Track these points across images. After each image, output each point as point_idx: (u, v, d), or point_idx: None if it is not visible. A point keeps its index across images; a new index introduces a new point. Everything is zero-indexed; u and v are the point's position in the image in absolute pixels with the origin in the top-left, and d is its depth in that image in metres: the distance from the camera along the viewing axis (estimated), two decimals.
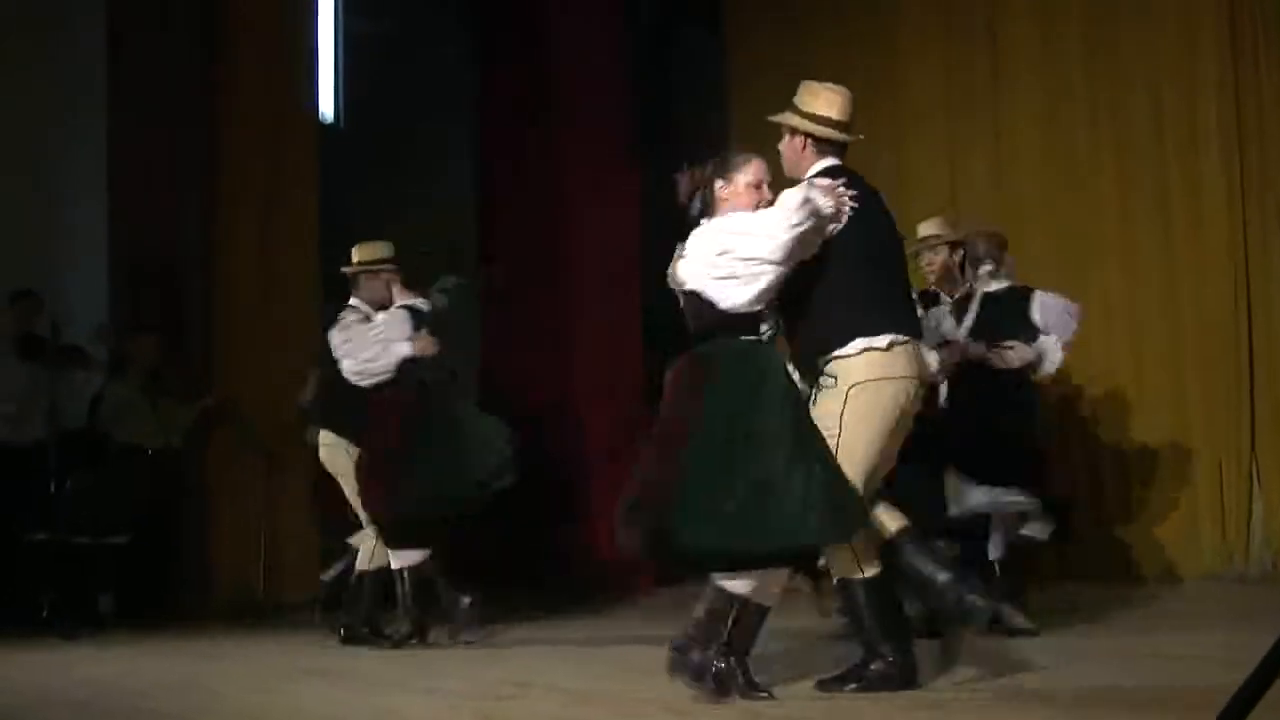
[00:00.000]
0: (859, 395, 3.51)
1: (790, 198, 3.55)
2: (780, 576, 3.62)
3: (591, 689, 4.04)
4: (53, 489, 6.52)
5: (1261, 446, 6.88)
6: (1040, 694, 3.52)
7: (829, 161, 3.74)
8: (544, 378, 9.22)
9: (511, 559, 9.08)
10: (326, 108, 9.44)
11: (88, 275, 7.68)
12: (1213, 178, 7.07)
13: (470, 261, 9.80)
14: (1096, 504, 7.25)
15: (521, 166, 9.48)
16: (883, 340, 3.54)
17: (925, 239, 5.59)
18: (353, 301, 5.91)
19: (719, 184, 3.73)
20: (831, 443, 3.49)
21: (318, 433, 5.95)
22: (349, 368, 5.71)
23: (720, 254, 3.55)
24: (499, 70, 9.77)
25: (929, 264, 5.59)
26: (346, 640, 5.67)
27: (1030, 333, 5.25)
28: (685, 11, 10.02)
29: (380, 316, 5.78)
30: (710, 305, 3.57)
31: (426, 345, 5.70)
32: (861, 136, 3.84)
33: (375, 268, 5.89)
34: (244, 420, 7.41)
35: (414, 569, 5.65)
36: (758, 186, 3.69)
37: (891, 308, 3.64)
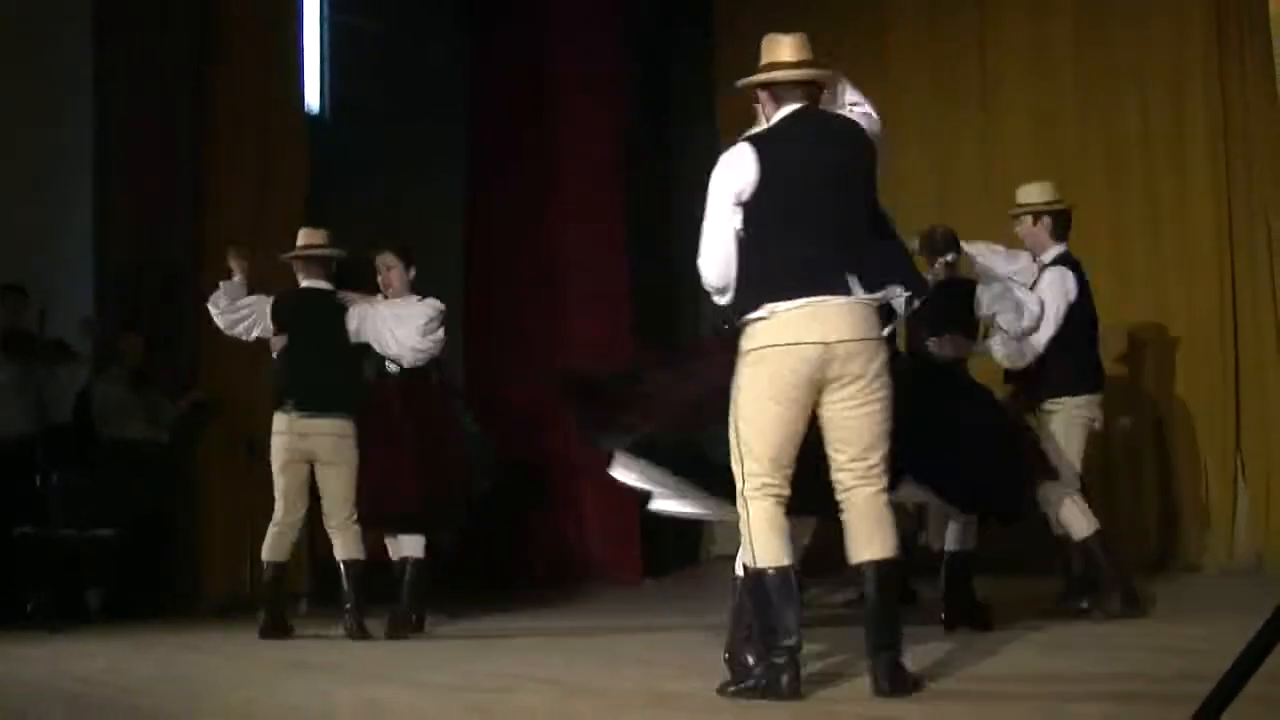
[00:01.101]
0: (746, 364, 3.41)
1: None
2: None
3: (580, 681, 4.05)
4: (39, 483, 6.51)
5: (1246, 444, 6.93)
6: (1025, 684, 3.54)
7: (788, 108, 3.55)
8: (532, 376, 9.22)
9: (499, 553, 9.09)
10: (316, 103, 9.43)
11: (75, 271, 7.65)
12: (1200, 178, 7.12)
13: (458, 260, 9.81)
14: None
15: (512, 165, 9.48)
16: (766, 308, 3.37)
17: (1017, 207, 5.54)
18: (324, 285, 5.89)
19: None
20: (733, 414, 3.41)
21: (312, 421, 5.73)
22: (422, 346, 5.76)
23: None
24: (490, 67, 9.76)
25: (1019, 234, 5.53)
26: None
27: (971, 326, 5.28)
28: (681, 12, 10.02)
29: (439, 304, 5.89)
30: None
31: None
32: (816, 73, 3.61)
33: (338, 253, 5.98)
34: (253, 443, 7.36)
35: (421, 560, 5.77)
36: None
37: (786, 273, 3.40)
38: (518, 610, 6.96)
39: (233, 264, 5.93)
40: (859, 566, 3.41)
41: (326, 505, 5.74)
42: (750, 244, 3.46)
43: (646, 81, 9.97)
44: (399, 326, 5.75)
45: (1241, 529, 6.90)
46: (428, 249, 9.34)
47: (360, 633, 5.54)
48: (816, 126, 3.56)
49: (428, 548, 5.84)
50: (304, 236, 5.95)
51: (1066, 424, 5.32)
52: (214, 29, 7.97)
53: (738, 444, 3.41)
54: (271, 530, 5.76)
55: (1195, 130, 7.13)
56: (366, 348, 5.87)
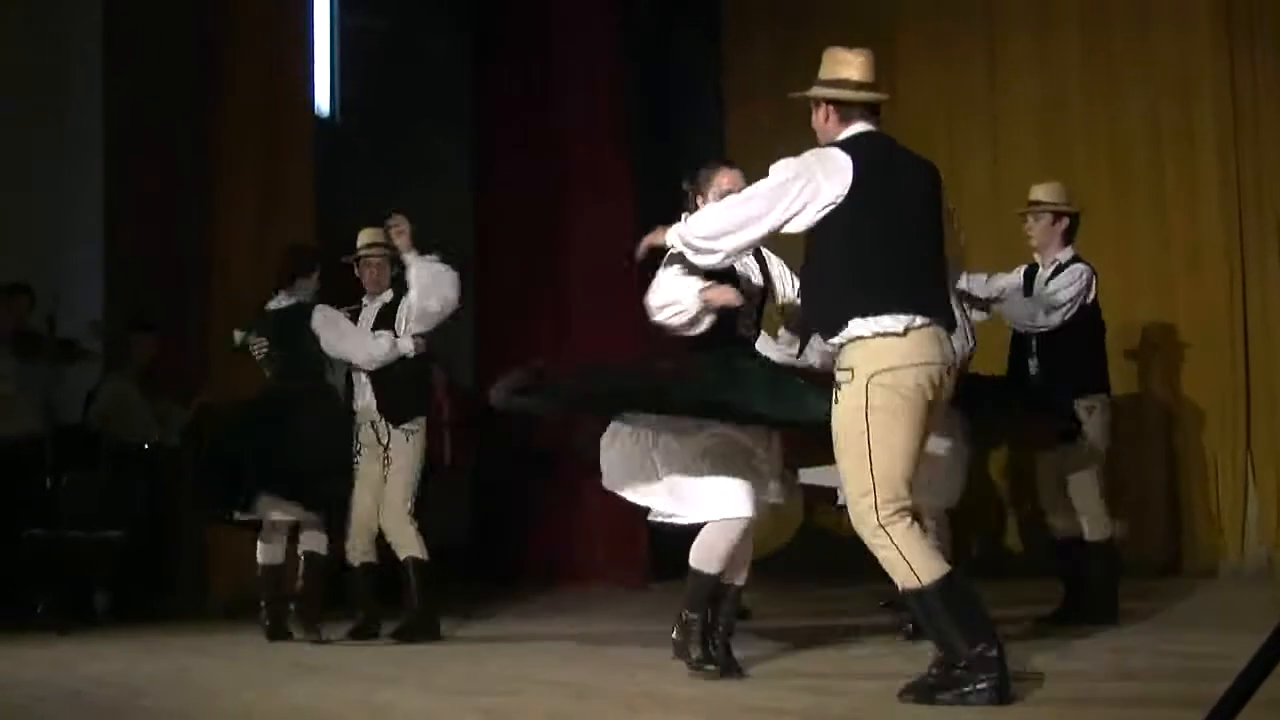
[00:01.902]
0: (878, 385, 3.28)
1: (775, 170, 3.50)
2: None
3: (587, 684, 4.04)
4: (48, 484, 6.51)
5: (1256, 445, 6.91)
6: (1035, 690, 3.52)
7: (857, 127, 3.51)
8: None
9: (505, 557, 9.09)
10: (324, 104, 9.44)
11: (85, 272, 7.67)
12: (1208, 180, 7.10)
13: (467, 260, 9.82)
14: None
15: (519, 164, 9.49)
16: (899, 322, 3.28)
17: (1030, 205, 5.46)
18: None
19: (698, 199, 3.92)
20: (862, 440, 3.27)
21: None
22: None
23: None
24: (497, 67, 9.77)
25: (1029, 230, 5.45)
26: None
27: None
28: (684, 11, 10.02)
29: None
30: None
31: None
32: (886, 97, 3.62)
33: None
34: None
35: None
36: (733, 192, 3.75)
37: (903, 287, 3.33)
38: (524, 614, 6.96)
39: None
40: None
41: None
42: (853, 249, 3.37)
43: (652, 81, 9.96)
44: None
45: (1252, 531, 6.88)
46: (436, 249, 9.40)
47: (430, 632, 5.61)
48: (905, 152, 3.57)
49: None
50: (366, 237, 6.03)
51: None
52: (223, 31, 7.98)
53: (870, 470, 3.26)
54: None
55: (1204, 131, 7.12)
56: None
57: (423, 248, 5.88)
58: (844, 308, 3.33)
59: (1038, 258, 5.43)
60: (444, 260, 5.89)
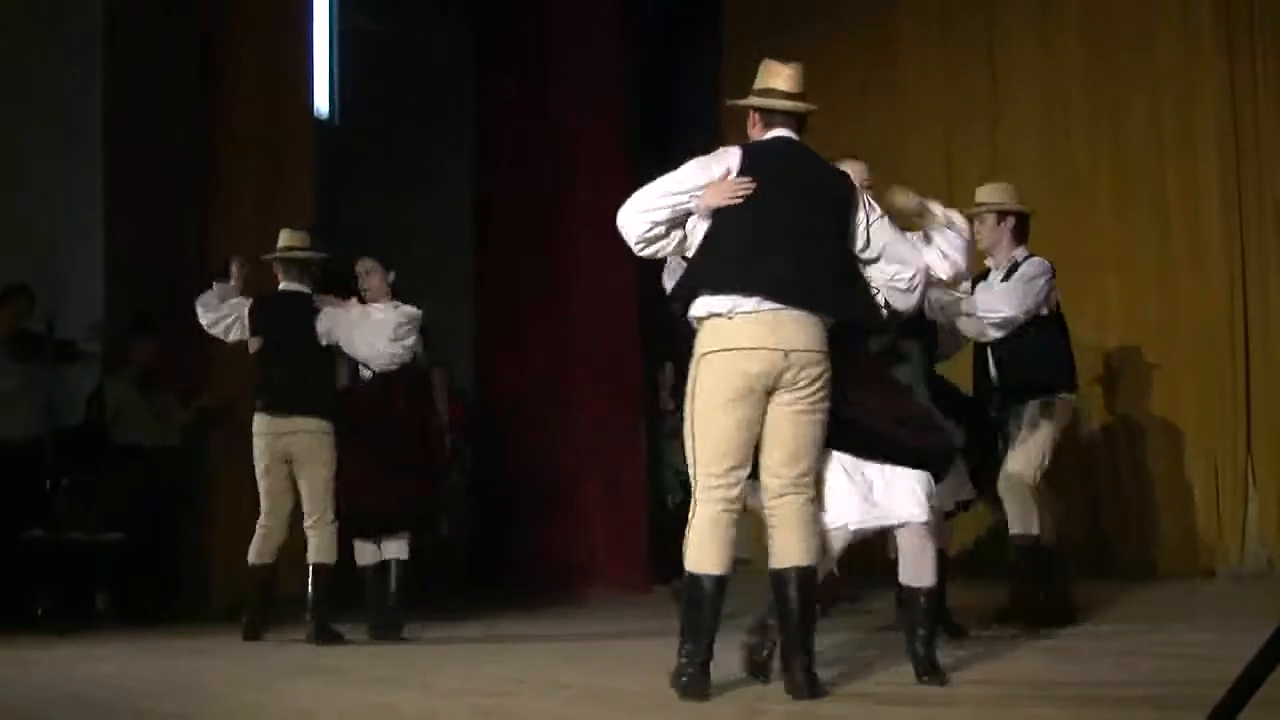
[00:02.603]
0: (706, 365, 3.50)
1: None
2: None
3: (589, 685, 4.04)
4: (49, 486, 6.51)
5: (1256, 447, 6.91)
6: (1035, 691, 3.53)
7: (775, 132, 3.67)
8: (541, 378, 9.23)
9: (508, 559, 9.10)
10: (323, 106, 9.44)
11: (84, 272, 7.67)
12: (1209, 183, 7.10)
13: (467, 262, 9.82)
14: (1094, 504, 7.28)
15: (519, 166, 9.50)
16: (727, 302, 3.46)
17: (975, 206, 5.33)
18: (301, 288, 5.90)
19: None
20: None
21: (284, 421, 5.74)
22: (390, 351, 5.75)
23: None
24: (497, 69, 9.78)
25: (976, 233, 5.22)
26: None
27: None
28: (685, 14, 10.02)
29: (412, 310, 5.84)
30: None
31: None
32: (812, 107, 3.70)
33: (321, 255, 6.00)
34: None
35: (406, 563, 5.76)
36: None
37: (748, 268, 3.48)
38: (524, 615, 6.96)
39: (234, 268, 5.93)
40: (780, 572, 3.49)
41: (304, 505, 5.75)
42: (718, 232, 3.53)
43: (652, 82, 9.97)
44: (369, 331, 5.75)
45: (1253, 532, 6.88)
46: (436, 251, 9.42)
47: (323, 637, 5.56)
48: (814, 160, 3.69)
49: (411, 552, 5.85)
50: (284, 238, 5.95)
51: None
52: (223, 32, 7.98)
53: (692, 446, 3.50)
54: (258, 532, 5.82)
55: (1204, 132, 7.12)
56: (340, 350, 5.87)
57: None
58: (697, 277, 3.55)
59: (989, 261, 5.30)
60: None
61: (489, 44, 9.89)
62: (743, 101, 3.73)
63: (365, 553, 5.90)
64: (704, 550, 3.48)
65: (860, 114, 8.04)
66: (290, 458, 5.72)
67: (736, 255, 3.49)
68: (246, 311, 5.87)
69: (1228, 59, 7.03)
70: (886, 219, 3.74)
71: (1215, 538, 6.94)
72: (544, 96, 9.48)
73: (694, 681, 3.46)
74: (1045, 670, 3.96)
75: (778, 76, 3.70)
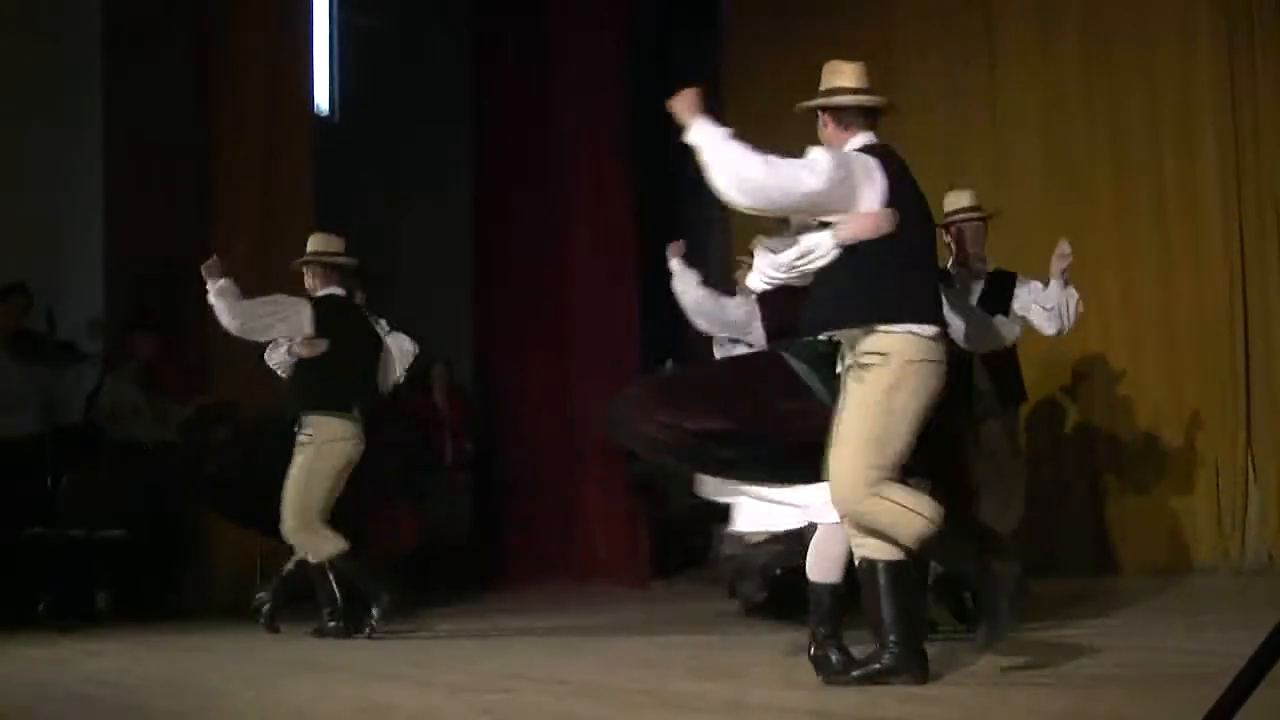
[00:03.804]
0: (912, 373, 3.50)
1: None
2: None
3: (587, 681, 4.05)
4: (49, 484, 6.51)
5: (1257, 443, 6.90)
6: (1038, 686, 3.53)
7: (861, 138, 3.68)
8: (541, 376, 9.23)
9: (507, 555, 9.10)
10: (323, 104, 9.44)
11: (84, 273, 7.67)
12: (1209, 179, 7.09)
13: (466, 260, 9.82)
14: (1094, 500, 7.28)
15: (518, 164, 9.50)
16: (927, 328, 3.52)
17: (960, 210, 5.37)
18: (340, 291, 5.91)
19: None
20: (882, 418, 3.46)
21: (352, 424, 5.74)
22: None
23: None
24: (497, 66, 9.77)
25: (970, 239, 5.34)
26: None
27: None
28: (685, 14, 10.01)
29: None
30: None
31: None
32: (884, 100, 3.75)
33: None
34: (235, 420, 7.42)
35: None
36: None
37: (925, 296, 3.60)
38: (524, 611, 6.96)
39: (214, 266, 5.82)
40: None
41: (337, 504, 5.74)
42: (894, 257, 3.52)
43: (651, 80, 9.95)
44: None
45: (1253, 528, 6.87)
46: (435, 248, 9.43)
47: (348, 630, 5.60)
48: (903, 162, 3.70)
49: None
50: (321, 243, 5.93)
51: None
52: (222, 29, 7.98)
53: (872, 445, 3.45)
54: (331, 530, 5.72)
55: (1204, 132, 7.11)
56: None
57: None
58: (887, 306, 3.53)
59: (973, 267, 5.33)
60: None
61: (489, 42, 9.88)
62: (817, 102, 3.70)
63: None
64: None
65: None
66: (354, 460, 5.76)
67: (917, 284, 3.58)
68: (308, 313, 5.78)
69: (1226, 52, 7.02)
70: None
71: (1215, 534, 6.93)
72: (544, 95, 9.48)
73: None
74: (1041, 662, 3.96)
75: (842, 75, 3.74)
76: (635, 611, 6.87)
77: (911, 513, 3.44)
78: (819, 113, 3.73)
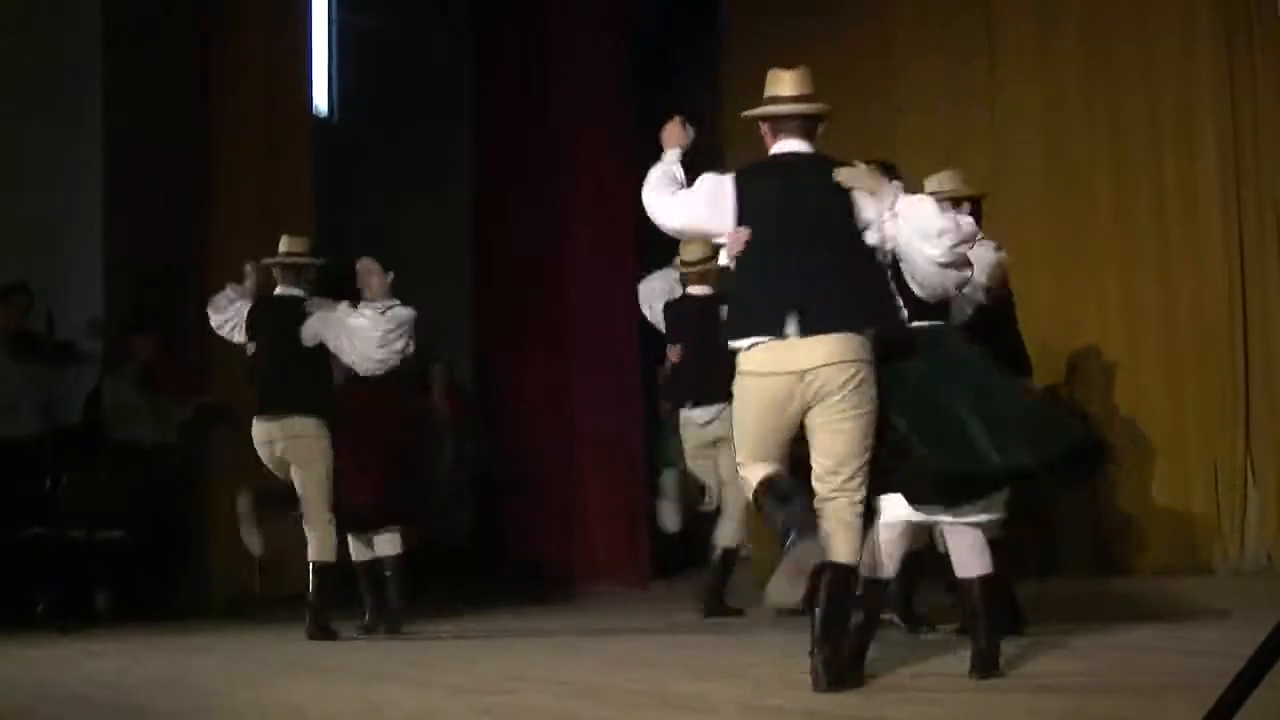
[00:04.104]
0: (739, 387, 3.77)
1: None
2: None
3: (587, 682, 4.05)
4: (49, 484, 6.52)
5: (1256, 444, 6.89)
6: (1034, 686, 3.53)
7: (781, 144, 3.83)
8: (540, 376, 9.23)
9: (507, 555, 9.10)
10: (322, 104, 9.44)
11: (83, 273, 7.67)
12: (1208, 179, 7.08)
13: (466, 260, 9.82)
14: (1092, 500, 7.27)
15: (518, 164, 9.49)
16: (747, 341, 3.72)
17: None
18: (296, 292, 5.91)
19: None
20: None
21: (273, 425, 5.76)
22: (379, 356, 5.75)
23: None
24: (496, 66, 9.77)
25: None
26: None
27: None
28: (685, 12, 10.00)
29: (403, 312, 5.82)
30: None
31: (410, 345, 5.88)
32: (816, 107, 3.82)
33: (317, 260, 6.02)
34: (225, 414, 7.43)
35: (399, 558, 5.77)
36: None
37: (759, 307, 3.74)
38: (525, 611, 6.96)
39: (247, 270, 5.98)
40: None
41: (301, 504, 5.75)
42: (737, 279, 3.81)
43: (652, 80, 9.96)
44: (356, 336, 5.78)
45: (1252, 530, 6.86)
46: (435, 248, 9.42)
47: (322, 634, 5.57)
48: (805, 165, 3.81)
49: (405, 548, 5.87)
50: (283, 244, 5.99)
51: None
52: (222, 29, 7.98)
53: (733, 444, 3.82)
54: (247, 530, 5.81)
55: (1204, 132, 7.10)
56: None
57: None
58: (730, 326, 3.83)
59: None
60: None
61: (488, 42, 9.88)
62: (747, 113, 3.88)
63: (358, 550, 5.92)
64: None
65: (856, 108, 8.02)
66: (285, 458, 5.74)
67: (754, 301, 3.73)
68: (245, 314, 5.92)
69: (1226, 53, 7.01)
70: (910, 204, 3.77)
71: (1214, 535, 6.93)
72: (544, 94, 9.47)
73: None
74: (1042, 664, 3.96)
75: (781, 83, 3.83)
76: (635, 612, 6.87)
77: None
78: (759, 122, 3.89)
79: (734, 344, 3.74)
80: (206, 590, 7.41)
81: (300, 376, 5.78)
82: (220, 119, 7.92)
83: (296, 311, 5.84)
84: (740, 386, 3.74)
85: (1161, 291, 7.26)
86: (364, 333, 5.76)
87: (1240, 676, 1.93)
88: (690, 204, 3.86)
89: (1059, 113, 7.69)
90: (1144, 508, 7.15)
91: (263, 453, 5.78)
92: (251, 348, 5.91)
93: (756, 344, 3.68)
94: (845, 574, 3.60)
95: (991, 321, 4.79)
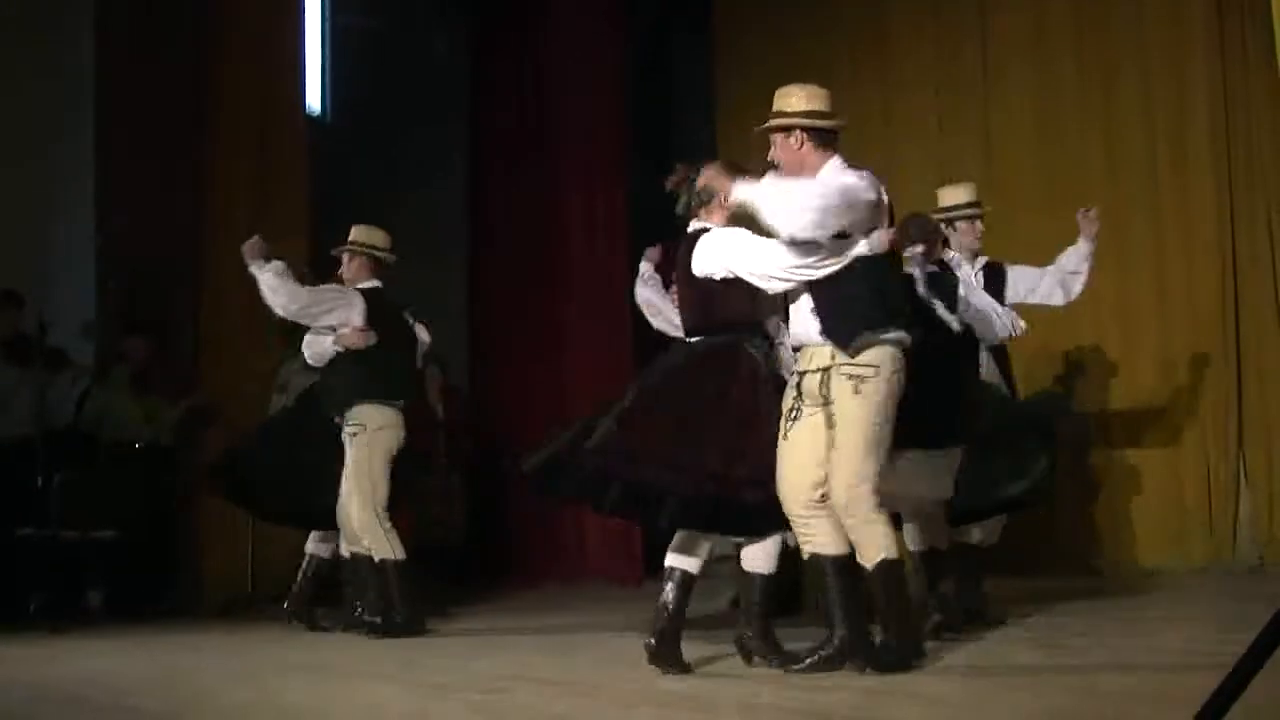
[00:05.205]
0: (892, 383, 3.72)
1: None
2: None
3: (578, 681, 4.05)
4: (41, 485, 6.51)
5: (1248, 444, 6.91)
6: (1026, 686, 3.54)
7: (836, 157, 3.82)
8: (535, 376, 9.22)
9: (500, 553, 9.09)
10: (315, 103, 9.42)
11: (76, 274, 7.66)
12: (1201, 175, 7.10)
13: (461, 260, 9.81)
14: (1086, 499, 7.28)
15: (514, 163, 9.48)
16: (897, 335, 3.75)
17: (965, 205, 5.41)
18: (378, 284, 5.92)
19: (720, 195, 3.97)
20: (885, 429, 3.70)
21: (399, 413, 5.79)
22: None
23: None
24: (492, 65, 9.77)
25: (975, 234, 5.41)
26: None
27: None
28: (678, 10, 10.01)
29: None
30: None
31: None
32: (844, 123, 3.91)
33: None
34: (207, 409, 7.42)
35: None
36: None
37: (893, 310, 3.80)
38: (519, 610, 6.96)
39: (259, 247, 5.79)
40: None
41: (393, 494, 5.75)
42: (867, 271, 3.72)
43: (648, 79, 9.96)
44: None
45: (1244, 529, 6.88)
46: (431, 248, 9.40)
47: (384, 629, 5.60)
48: None
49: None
50: (365, 234, 5.95)
51: None
52: (215, 29, 7.97)
53: (868, 454, 3.68)
54: (391, 529, 5.71)
55: (1196, 115, 7.12)
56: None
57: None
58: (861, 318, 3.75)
59: (967, 258, 5.33)
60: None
61: (484, 40, 9.87)
62: (798, 121, 3.81)
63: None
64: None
65: (849, 100, 8.03)
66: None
67: (889, 301, 3.79)
68: (360, 304, 5.80)
69: (1219, 48, 7.02)
70: None
71: (1207, 534, 6.94)
72: (539, 93, 9.47)
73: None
74: (1037, 661, 3.97)
75: (816, 99, 3.85)
76: (629, 610, 6.86)
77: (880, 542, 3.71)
78: (785, 131, 3.88)
79: (889, 338, 3.71)
80: (199, 590, 7.40)
81: (414, 369, 6.02)
82: (214, 119, 7.91)
83: (399, 307, 6.00)
84: (890, 385, 3.69)
85: (1155, 289, 7.27)
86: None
87: (1232, 674, 1.93)
88: (853, 200, 3.67)
89: (1053, 101, 7.68)
90: (1136, 506, 7.17)
91: (396, 438, 5.73)
92: (369, 338, 5.76)
93: (900, 341, 3.72)
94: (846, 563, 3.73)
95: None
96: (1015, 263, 5.64)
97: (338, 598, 6.04)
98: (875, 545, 3.67)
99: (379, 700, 3.78)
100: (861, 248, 3.69)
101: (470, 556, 8.91)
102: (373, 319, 5.80)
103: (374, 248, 5.90)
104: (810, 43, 8.31)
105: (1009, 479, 4.94)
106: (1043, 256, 7.21)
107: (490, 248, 9.65)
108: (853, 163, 3.82)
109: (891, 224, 3.85)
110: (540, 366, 9.21)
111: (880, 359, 3.68)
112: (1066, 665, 3.91)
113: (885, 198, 3.77)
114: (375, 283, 5.89)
